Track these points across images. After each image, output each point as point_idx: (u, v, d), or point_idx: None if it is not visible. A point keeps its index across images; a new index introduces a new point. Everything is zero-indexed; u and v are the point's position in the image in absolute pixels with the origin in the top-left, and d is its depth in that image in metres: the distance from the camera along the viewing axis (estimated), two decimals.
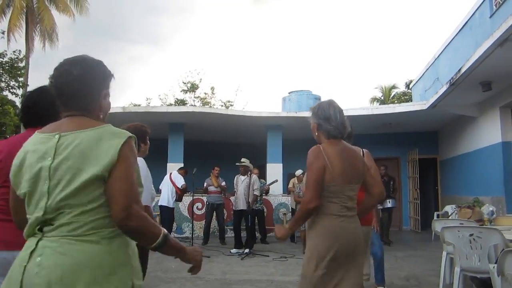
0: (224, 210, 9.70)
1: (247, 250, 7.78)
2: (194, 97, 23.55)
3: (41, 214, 1.41)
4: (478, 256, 3.83)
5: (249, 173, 8.50)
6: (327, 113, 2.62)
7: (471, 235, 3.87)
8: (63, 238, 1.38)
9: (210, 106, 21.77)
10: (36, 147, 1.48)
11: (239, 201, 8.46)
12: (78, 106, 1.54)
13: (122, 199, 1.40)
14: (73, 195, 1.40)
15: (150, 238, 1.45)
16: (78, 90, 1.52)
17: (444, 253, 5.02)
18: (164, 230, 1.50)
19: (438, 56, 10.98)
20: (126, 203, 1.40)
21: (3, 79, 14.50)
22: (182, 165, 10.23)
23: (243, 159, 8.58)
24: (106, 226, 1.43)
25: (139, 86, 50.64)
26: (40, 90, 2.43)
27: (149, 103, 23.94)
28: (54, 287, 1.33)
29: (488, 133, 8.57)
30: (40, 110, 2.30)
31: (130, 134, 1.51)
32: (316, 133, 2.68)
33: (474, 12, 8.68)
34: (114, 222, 1.41)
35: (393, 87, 28.85)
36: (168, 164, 10.95)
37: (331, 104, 2.67)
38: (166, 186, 8.25)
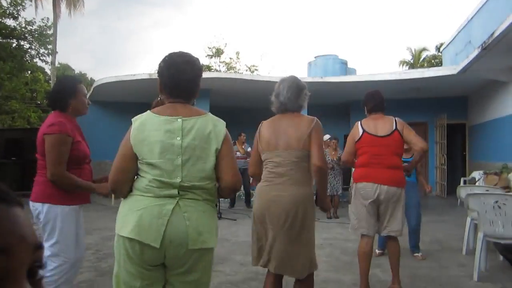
0: None
1: None
2: (219, 62, 23.49)
3: (178, 181, 1.82)
4: (502, 222, 3.86)
5: None
6: (277, 89, 2.86)
7: (496, 202, 3.89)
8: (200, 201, 1.87)
9: (235, 71, 21.69)
10: (161, 126, 1.88)
11: None
12: (185, 97, 1.99)
13: (233, 170, 1.94)
14: (204, 169, 1.87)
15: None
16: (191, 88, 1.99)
17: (468, 219, 5.06)
18: None
19: (471, 18, 10.55)
20: (236, 171, 1.96)
21: (33, 47, 14.78)
22: None
23: None
24: (214, 194, 1.96)
25: (163, 50, 50.76)
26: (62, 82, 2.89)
27: None
28: (204, 234, 1.83)
29: None
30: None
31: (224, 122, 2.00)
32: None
33: None
34: (225, 186, 1.94)
35: (424, 49, 27.98)
36: None
37: (284, 80, 2.89)
38: None
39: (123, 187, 1.91)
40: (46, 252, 2.57)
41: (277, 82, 2.95)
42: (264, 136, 2.82)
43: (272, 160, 2.72)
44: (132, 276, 1.83)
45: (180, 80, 1.95)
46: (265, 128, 2.86)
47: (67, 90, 2.75)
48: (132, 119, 1.96)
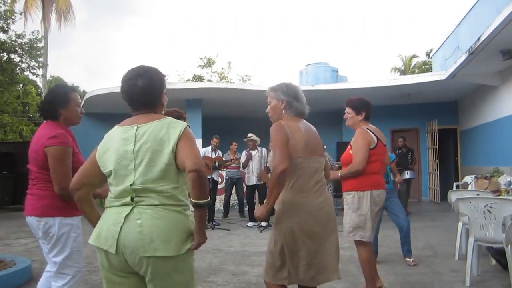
0: (243, 184, 9.86)
1: (264, 223, 7.90)
2: (212, 72, 23.55)
3: (129, 185, 1.83)
4: (492, 226, 3.86)
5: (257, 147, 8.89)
6: (295, 92, 2.76)
7: (485, 206, 3.89)
8: (156, 207, 1.81)
9: (228, 81, 21.75)
10: (119, 136, 1.93)
11: (252, 176, 8.66)
12: (146, 108, 1.99)
13: (192, 158, 1.80)
14: (155, 171, 1.83)
15: (206, 192, 1.82)
16: (144, 99, 1.98)
17: (460, 224, 5.06)
18: None
19: (459, 23, 10.66)
20: (195, 159, 1.80)
21: (23, 60, 14.68)
22: (200, 141, 10.35)
23: (249, 134, 8.85)
24: (182, 199, 1.88)
25: (155, 61, 50.82)
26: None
27: (166, 80, 24.04)
28: (155, 242, 1.76)
29: (509, 102, 8.39)
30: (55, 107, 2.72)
31: (187, 124, 1.94)
32: (283, 110, 2.72)
33: None
34: (188, 170, 1.77)
35: (414, 56, 28.28)
36: None
37: (296, 86, 2.85)
38: None
39: (82, 190, 2.00)
40: (59, 266, 2.58)
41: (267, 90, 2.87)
42: (300, 139, 2.57)
43: (311, 166, 2.58)
44: (109, 284, 1.93)
45: (132, 94, 1.97)
46: (297, 130, 2.61)
47: (59, 99, 2.70)
48: None
